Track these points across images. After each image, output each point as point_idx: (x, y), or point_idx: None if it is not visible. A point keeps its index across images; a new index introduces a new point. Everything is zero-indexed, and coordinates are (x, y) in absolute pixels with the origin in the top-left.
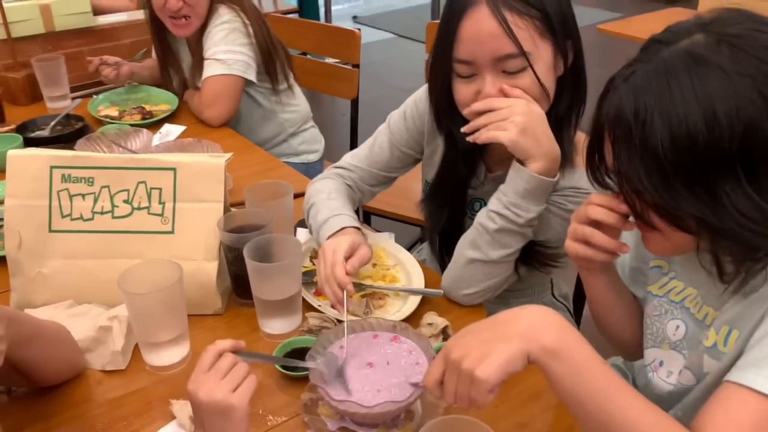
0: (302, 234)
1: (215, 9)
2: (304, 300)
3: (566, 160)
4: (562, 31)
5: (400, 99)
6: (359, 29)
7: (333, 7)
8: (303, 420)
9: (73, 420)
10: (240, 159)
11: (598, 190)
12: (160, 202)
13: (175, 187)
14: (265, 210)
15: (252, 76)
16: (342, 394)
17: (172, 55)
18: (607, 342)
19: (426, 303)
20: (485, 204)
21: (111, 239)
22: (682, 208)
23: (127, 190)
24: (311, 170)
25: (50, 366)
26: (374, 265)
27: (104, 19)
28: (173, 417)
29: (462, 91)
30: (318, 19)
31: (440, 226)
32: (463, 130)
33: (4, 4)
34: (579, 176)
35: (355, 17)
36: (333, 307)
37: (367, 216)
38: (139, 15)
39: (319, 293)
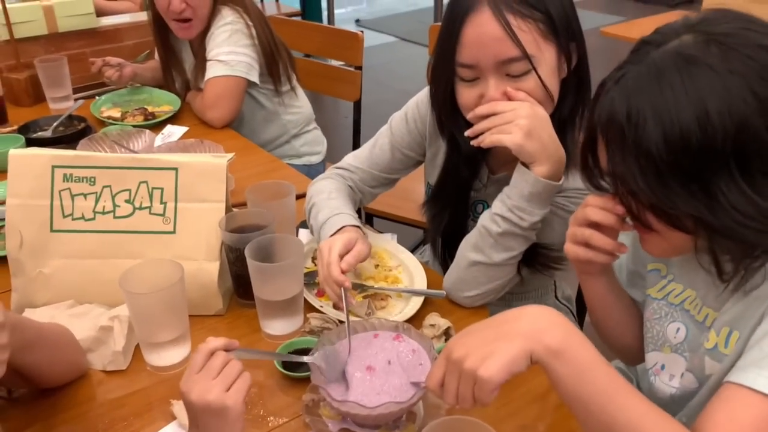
0: (304, 235)
1: (218, 10)
2: (305, 301)
3: (570, 162)
4: (565, 33)
5: (402, 102)
6: (362, 32)
7: (336, 11)
8: (304, 421)
9: (73, 420)
10: (242, 160)
11: (593, 192)
12: (161, 202)
13: (177, 187)
14: (267, 210)
15: (255, 78)
16: (343, 393)
17: (174, 57)
18: (608, 348)
19: (428, 304)
20: (488, 206)
21: (112, 239)
22: (678, 207)
23: (129, 190)
24: (313, 172)
25: (53, 369)
26: (376, 266)
27: (107, 21)
28: (174, 417)
29: (465, 94)
30: (321, 22)
31: (442, 228)
32: (466, 133)
33: (8, 5)
34: None
35: (357, 21)
36: (335, 306)
37: (369, 218)
38: (142, 17)
39: (321, 294)
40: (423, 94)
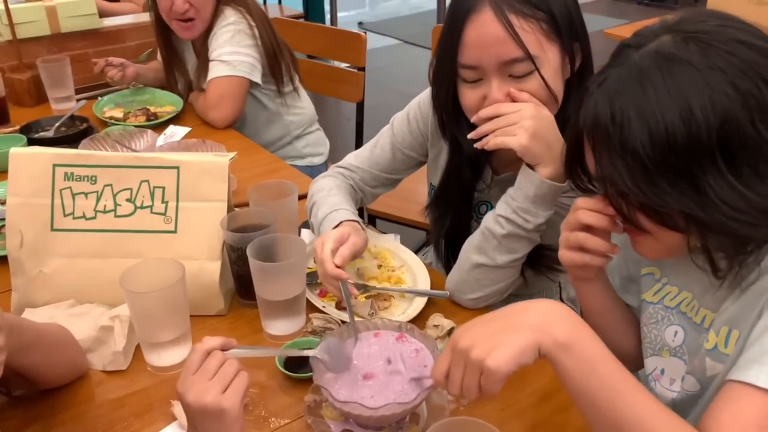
0: (306, 235)
1: (221, 11)
2: (308, 301)
3: None
4: (568, 33)
5: (405, 105)
6: (364, 32)
7: (339, 14)
8: (306, 422)
9: (72, 420)
10: (244, 160)
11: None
12: (163, 201)
13: (179, 185)
14: (269, 210)
15: (257, 78)
16: (347, 386)
17: (177, 57)
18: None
19: (432, 305)
20: (491, 207)
21: (113, 238)
22: (669, 205)
23: (130, 189)
24: (316, 173)
25: (52, 370)
26: (379, 266)
27: (110, 21)
28: (174, 418)
29: (468, 96)
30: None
31: (445, 230)
32: (470, 136)
33: (10, 5)
34: None
35: (360, 23)
36: (338, 306)
37: (372, 219)
38: (145, 17)
39: (323, 294)
40: (425, 95)
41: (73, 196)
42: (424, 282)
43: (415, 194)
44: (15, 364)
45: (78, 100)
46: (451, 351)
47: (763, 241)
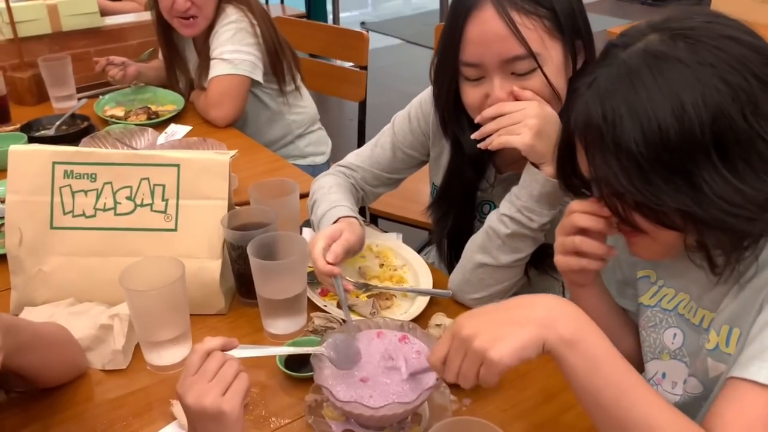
0: (308, 234)
1: (222, 9)
2: (309, 300)
3: None
4: (571, 30)
5: (407, 104)
6: (367, 31)
7: (341, 14)
8: (307, 422)
9: (71, 420)
10: (246, 159)
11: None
12: (163, 199)
13: (179, 183)
14: (270, 208)
15: (259, 77)
16: (347, 389)
17: (178, 56)
18: None
19: (434, 304)
20: (494, 206)
21: (113, 236)
22: (665, 202)
23: (130, 187)
24: (318, 172)
25: (50, 370)
26: (381, 265)
27: (111, 20)
28: (173, 418)
29: (470, 94)
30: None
31: (448, 230)
32: (473, 136)
33: (11, 4)
34: None
35: (363, 23)
36: (339, 305)
37: (374, 218)
38: (147, 16)
39: (324, 293)
40: (426, 93)
41: (73, 193)
42: (426, 281)
43: (417, 194)
44: (13, 365)
45: (79, 99)
46: (451, 338)
47: (760, 236)
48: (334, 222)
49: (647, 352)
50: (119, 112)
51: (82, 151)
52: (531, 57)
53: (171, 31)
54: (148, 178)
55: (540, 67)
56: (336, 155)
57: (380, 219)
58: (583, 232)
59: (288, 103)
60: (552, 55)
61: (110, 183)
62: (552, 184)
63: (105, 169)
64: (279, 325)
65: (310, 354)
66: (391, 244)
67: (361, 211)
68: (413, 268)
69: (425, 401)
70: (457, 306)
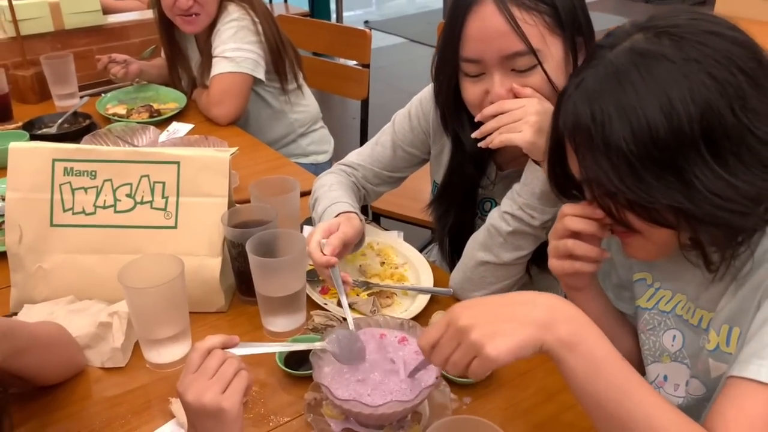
0: (308, 232)
1: (224, 7)
2: (310, 298)
3: None
4: (572, 27)
5: None
6: (370, 30)
7: (345, 13)
8: (306, 420)
9: (69, 418)
10: (247, 157)
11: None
12: (163, 197)
13: (179, 181)
14: (270, 206)
15: (261, 75)
16: (346, 387)
17: (180, 54)
18: None
19: (435, 302)
20: (495, 204)
21: (113, 234)
22: (657, 200)
23: (130, 184)
24: (320, 171)
25: (48, 371)
26: (382, 263)
27: (114, 18)
28: (172, 416)
29: (470, 90)
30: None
31: (449, 228)
32: (474, 135)
33: (14, 2)
34: None
35: (366, 22)
36: (340, 303)
37: (376, 217)
38: (149, 14)
39: (325, 291)
40: (427, 91)
41: (73, 191)
42: (427, 279)
43: (420, 192)
44: (11, 368)
45: (81, 97)
46: (446, 325)
47: (754, 230)
48: (336, 217)
49: (647, 355)
50: (121, 110)
51: (82, 148)
52: (531, 53)
53: (173, 29)
54: (148, 176)
55: (540, 63)
56: (339, 154)
57: (382, 217)
58: (576, 235)
59: (290, 101)
60: (552, 51)
61: (110, 180)
62: None
63: (105, 167)
64: (278, 323)
65: (310, 352)
66: (392, 243)
67: (364, 210)
68: (414, 267)
69: (425, 400)
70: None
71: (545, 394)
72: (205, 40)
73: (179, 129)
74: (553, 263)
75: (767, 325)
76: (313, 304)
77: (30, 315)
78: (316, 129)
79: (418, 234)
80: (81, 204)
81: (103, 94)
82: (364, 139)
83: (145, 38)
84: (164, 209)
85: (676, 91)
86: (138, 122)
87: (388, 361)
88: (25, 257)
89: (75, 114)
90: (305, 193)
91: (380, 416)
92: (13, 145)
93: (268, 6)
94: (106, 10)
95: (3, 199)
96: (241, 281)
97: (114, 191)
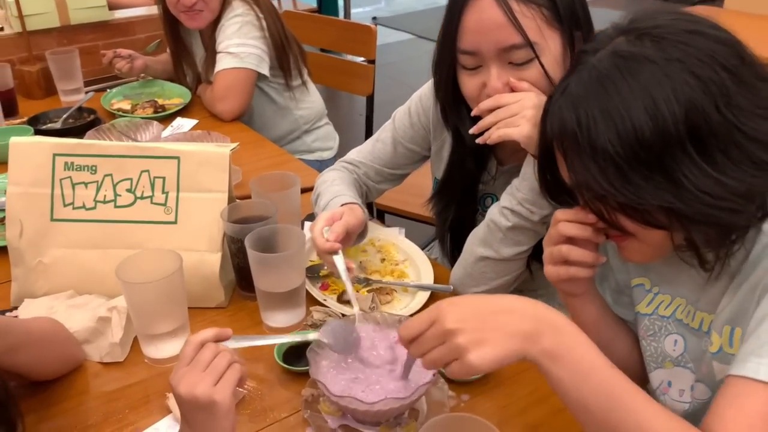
0: (309, 228)
1: (228, 2)
2: (310, 295)
3: None
4: (570, 22)
5: None
6: (375, 25)
7: (354, 10)
8: (303, 416)
9: (66, 412)
10: (251, 153)
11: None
12: (163, 192)
13: (179, 176)
14: (271, 201)
15: (265, 70)
16: (342, 384)
17: (185, 50)
18: None
19: (435, 299)
20: (497, 199)
21: (113, 229)
22: (647, 200)
23: (130, 179)
24: (325, 168)
25: (44, 366)
26: (383, 260)
27: (120, 14)
28: (169, 411)
29: (468, 84)
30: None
31: (449, 224)
32: (471, 131)
33: None
34: None
35: (374, 18)
36: (339, 299)
37: (381, 214)
38: (156, 10)
39: (325, 287)
40: (427, 87)
41: (73, 185)
42: (427, 276)
43: (425, 189)
44: (6, 364)
45: (87, 92)
46: (431, 321)
47: (747, 228)
48: None
49: (650, 361)
50: (126, 105)
51: (83, 143)
52: (528, 46)
53: (178, 25)
54: (148, 171)
55: (537, 56)
56: (345, 150)
57: (387, 214)
58: (571, 240)
59: (295, 98)
60: (550, 45)
61: (110, 175)
62: None
63: (105, 162)
64: (277, 319)
65: (307, 348)
66: (393, 239)
67: (367, 208)
68: (415, 263)
69: (421, 397)
70: None
71: (544, 392)
72: (209, 35)
73: (183, 124)
74: (549, 269)
75: (765, 322)
76: (312, 301)
77: (30, 309)
78: (320, 125)
79: (423, 231)
80: (81, 199)
81: (108, 90)
82: (368, 135)
83: (151, 34)
84: (164, 204)
85: (659, 91)
86: (142, 118)
87: (385, 358)
88: (25, 252)
89: (80, 109)
90: (307, 190)
91: (376, 413)
92: (14, 140)
93: (277, 2)
94: (112, 6)
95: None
96: (241, 277)
97: (114, 186)
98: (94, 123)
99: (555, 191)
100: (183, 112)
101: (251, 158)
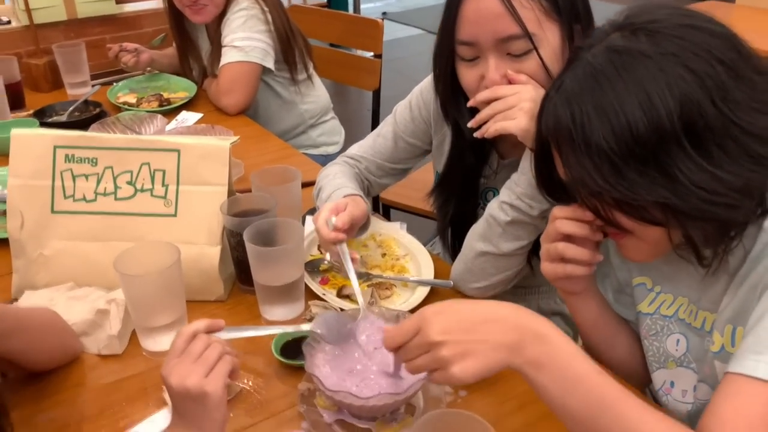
0: (311, 222)
1: None
2: (309, 289)
3: None
4: (569, 14)
5: None
6: (382, 19)
7: (363, 5)
8: (299, 411)
9: (63, 404)
10: (255, 147)
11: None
12: (163, 185)
13: (179, 169)
14: (271, 195)
15: (270, 64)
16: (336, 378)
17: (191, 44)
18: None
19: (434, 294)
20: (498, 193)
21: (113, 221)
22: (642, 196)
23: (131, 172)
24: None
25: (38, 355)
26: (383, 255)
27: (127, 7)
28: (166, 404)
29: (466, 75)
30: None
31: (450, 218)
32: (469, 124)
33: None
34: None
35: (384, 13)
36: (339, 294)
37: (386, 209)
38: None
39: (324, 282)
40: (427, 81)
41: (74, 178)
42: (428, 271)
43: (430, 185)
44: None
45: (93, 86)
46: (415, 331)
47: (745, 224)
48: None
49: (652, 361)
50: (132, 98)
51: (84, 135)
52: (526, 37)
53: (183, 19)
54: (148, 163)
55: (535, 48)
56: (350, 145)
57: (392, 209)
58: (568, 238)
59: (300, 92)
60: (548, 36)
61: (111, 168)
62: None
63: (106, 154)
64: (276, 312)
65: (303, 342)
66: (395, 234)
67: (373, 203)
68: (415, 258)
69: (418, 392)
70: (457, 297)
71: None
72: (215, 29)
73: (188, 118)
74: (545, 267)
75: (764, 320)
76: (312, 295)
77: (31, 301)
78: (326, 120)
79: (427, 225)
80: (82, 191)
81: (114, 83)
82: (374, 129)
83: (158, 28)
84: (164, 197)
85: (653, 86)
86: (147, 111)
87: (381, 353)
88: (26, 244)
89: (86, 102)
90: (309, 184)
91: (371, 408)
92: (15, 132)
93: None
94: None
95: None
96: (240, 270)
97: (114, 179)
98: (100, 116)
99: (552, 188)
100: (188, 105)
101: (255, 152)
